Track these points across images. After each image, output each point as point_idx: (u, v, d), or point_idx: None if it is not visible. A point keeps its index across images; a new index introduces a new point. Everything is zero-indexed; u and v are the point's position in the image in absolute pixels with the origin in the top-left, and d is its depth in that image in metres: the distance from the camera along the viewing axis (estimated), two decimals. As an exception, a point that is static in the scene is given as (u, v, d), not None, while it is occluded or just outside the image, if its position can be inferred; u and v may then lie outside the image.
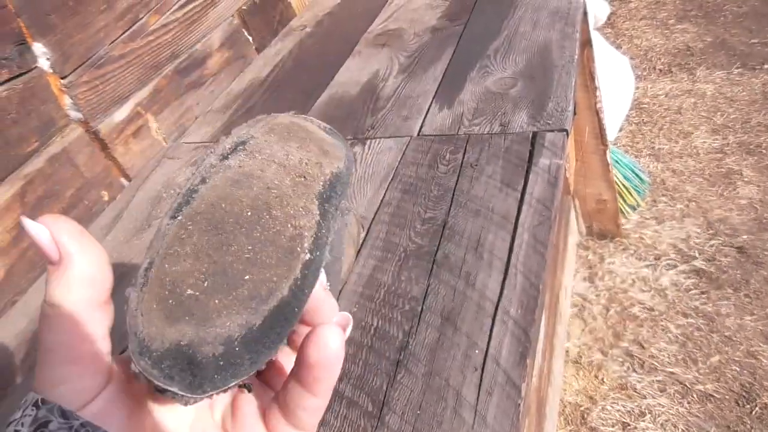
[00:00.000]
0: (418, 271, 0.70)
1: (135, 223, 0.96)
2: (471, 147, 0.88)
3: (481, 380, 0.58)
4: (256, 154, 0.33)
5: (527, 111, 0.91)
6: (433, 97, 1.05)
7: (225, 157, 0.33)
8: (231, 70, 1.35)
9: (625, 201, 1.81)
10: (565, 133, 0.84)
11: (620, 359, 1.49)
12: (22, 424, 0.27)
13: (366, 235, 0.78)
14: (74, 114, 0.97)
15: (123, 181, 1.07)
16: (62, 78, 0.94)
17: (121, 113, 1.06)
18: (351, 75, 1.23)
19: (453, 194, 0.80)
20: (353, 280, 0.72)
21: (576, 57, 1.01)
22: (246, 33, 1.41)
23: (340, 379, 0.61)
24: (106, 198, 1.02)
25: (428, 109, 1.02)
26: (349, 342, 0.64)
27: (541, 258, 0.68)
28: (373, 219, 0.81)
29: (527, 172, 0.80)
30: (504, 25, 1.20)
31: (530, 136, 0.86)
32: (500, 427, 0.54)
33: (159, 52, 1.14)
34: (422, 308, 0.66)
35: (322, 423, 0.57)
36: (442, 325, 0.63)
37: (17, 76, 0.87)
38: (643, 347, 1.49)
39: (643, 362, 1.46)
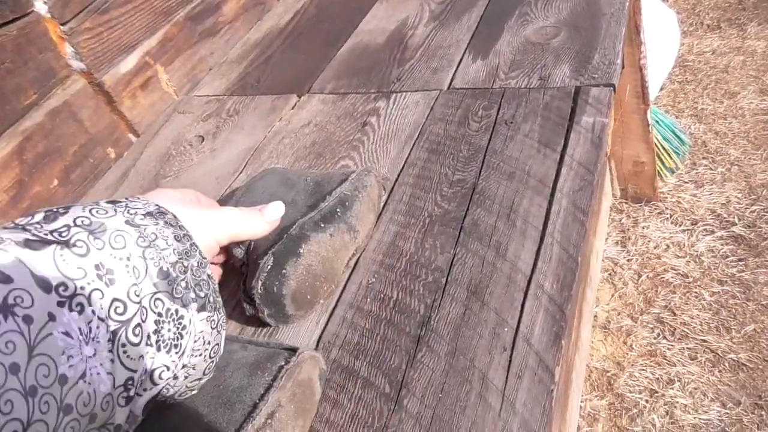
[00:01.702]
0: (443, 239, 0.65)
1: (142, 182, 0.92)
2: (506, 102, 0.81)
3: (510, 362, 0.53)
4: None
5: (570, 64, 0.83)
6: (466, 48, 0.97)
7: None
8: (248, 18, 1.29)
9: (663, 163, 1.74)
10: (611, 88, 0.76)
11: (650, 325, 1.47)
12: (147, 205, 0.45)
13: (388, 197, 0.73)
14: (76, 64, 0.91)
15: (131, 137, 1.01)
16: (62, 24, 0.88)
17: (128, 63, 0.99)
18: (377, 23, 1.16)
19: (485, 154, 0.74)
20: (372, 247, 0.67)
21: (627, 4, 0.92)
22: (265, -23, 1.34)
23: (356, 357, 0.56)
24: (112, 155, 0.97)
25: (460, 61, 0.94)
26: (366, 315, 0.60)
27: (581, 227, 0.62)
28: (396, 180, 0.75)
29: (568, 131, 0.72)
30: (545, -31, 1.11)
31: (573, 91, 0.78)
32: (530, 414, 0.49)
33: (169, -5, 1.08)
34: (447, 280, 0.60)
35: (334, 404, 0.53)
36: (469, 299, 0.58)
37: (10, 22, 0.81)
38: (674, 314, 1.47)
39: (674, 329, 1.44)
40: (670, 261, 1.58)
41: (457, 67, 0.93)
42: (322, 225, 0.60)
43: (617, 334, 1.48)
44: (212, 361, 0.46)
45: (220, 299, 0.46)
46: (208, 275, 0.45)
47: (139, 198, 0.45)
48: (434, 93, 0.89)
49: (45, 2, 0.85)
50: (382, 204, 0.71)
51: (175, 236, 0.43)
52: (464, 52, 0.96)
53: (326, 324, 0.60)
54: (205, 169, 0.89)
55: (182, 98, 1.12)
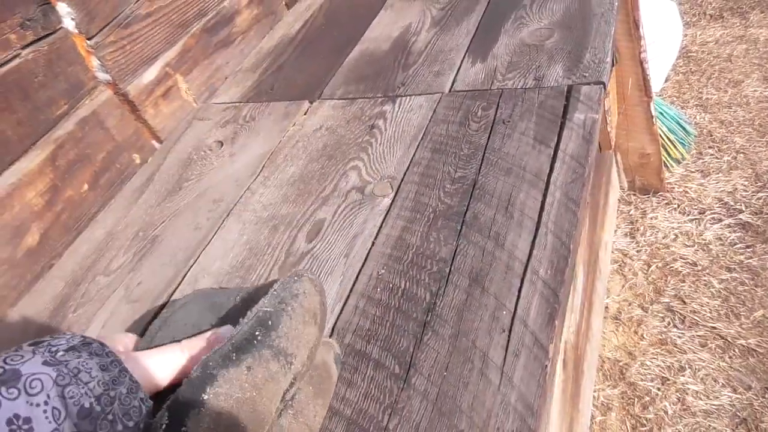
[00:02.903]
0: (447, 232, 0.69)
1: (166, 185, 0.97)
2: (504, 103, 0.85)
3: (508, 342, 0.57)
4: None
5: (563, 63, 0.88)
6: (466, 51, 1.02)
7: None
8: (260, 28, 1.33)
9: (669, 154, 1.76)
10: (601, 85, 0.80)
11: (661, 315, 1.48)
12: (72, 338, 0.43)
13: (395, 195, 0.77)
14: (102, 76, 0.96)
15: (154, 143, 1.07)
16: (88, 39, 0.94)
17: (150, 74, 1.05)
18: (383, 29, 1.21)
19: (484, 152, 0.78)
20: (381, 241, 0.72)
21: (616, 4, 0.96)
22: (275, -12, 1.39)
23: (367, 341, 0.61)
24: (138, 161, 1.03)
25: (461, 64, 0.99)
26: (377, 304, 0.64)
27: (573, 216, 0.66)
28: (403, 179, 0.80)
29: (561, 128, 0.77)
30: (541, -28, 1.15)
31: (565, 90, 0.83)
32: (527, 388, 0.53)
33: (186, 9, 1.13)
34: (450, 269, 0.65)
35: (349, 384, 0.58)
36: (470, 286, 0.63)
37: (42, 38, 0.87)
38: (684, 302, 1.48)
39: (684, 317, 1.45)
40: (679, 250, 1.60)
41: (458, 70, 0.98)
42: (235, 356, 0.46)
43: (628, 324, 1.50)
44: None
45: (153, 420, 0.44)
46: (141, 398, 0.43)
47: (64, 334, 0.44)
48: (437, 96, 0.93)
49: (73, 18, 0.91)
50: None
51: (100, 365, 0.42)
52: (464, 56, 1.01)
53: (340, 312, 0.65)
54: (224, 173, 0.95)
55: (201, 106, 1.17)
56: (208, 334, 0.54)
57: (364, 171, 0.84)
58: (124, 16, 1.00)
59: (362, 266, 0.69)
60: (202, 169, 0.98)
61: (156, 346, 0.55)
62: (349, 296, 0.67)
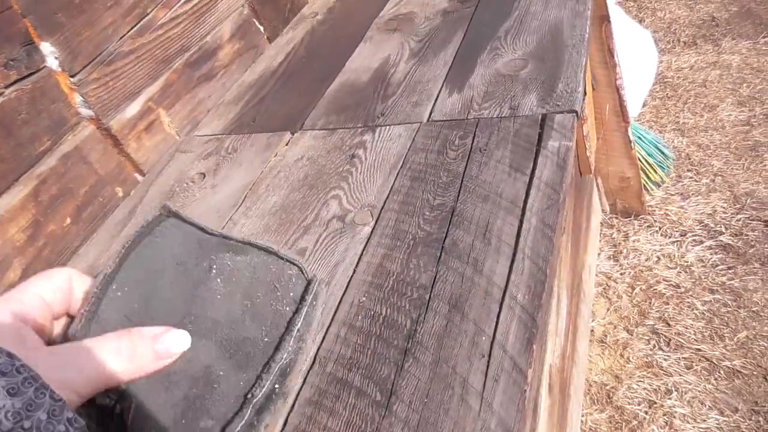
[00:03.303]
0: (426, 259, 0.70)
1: (148, 218, 0.97)
2: (480, 131, 0.87)
3: (487, 367, 0.57)
4: None
5: (537, 93, 0.90)
6: (443, 82, 1.04)
7: None
8: (242, 61, 1.36)
9: (648, 178, 1.80)
10: (574, 114, 0.82)
11: (646, 337, 1.50)
12: None
13: (375, 223, 0.78)
14: (85, 111, 0.97)
15: (137, 176, 1.08)
16: (71, 76, 0.95)
17: (133, 109, 1.06)
18: (362, 61, 1.23)
19: (462, 180, 0.80)
20: (362, 269, 0.72)
21: (587, 35, 0.99)
22: (257, 23, 1.41)
23: (349, 369, 0.61)
24: (120, 194, 1.04)
25: (438, 94, 1.01)
26: (358, 332, 0.65)
27: (549, 242, 0.67)
28: (383, 207, 0.81)
29: (536, 156, 0.79)
30: (515, 5, 1.18)
31: (539, 118, 0.84)
32: (506, 413, 0.54)
33: (168, 45, 1.15)
34: (430, 296, 0.66)
35: (331, 413, 0.58)
36: (450, 312, 0.63)
37: (26, 77, 0.88)
38: (668, 325, 1.50)
39: (669, 340, 1.46)
40: (662, 272, 1.61)
41: (436, 100, 1.00)
42: (257, 421, 0.48)
43: (614, 348, 1.51)
44: None
45: None
46: (68, 419, 0.35)
47: None
48: (415, 125, 0.95)
49: (56, 57, 0.92)
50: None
51: (8, 390, 0.34)
52: (441, 86, 1.03)
53: (322, 341, 0.65)
54: (206, 205, 0.95)
55: (183, 138, 1.18)
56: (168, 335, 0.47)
57: (344, 200, 0.85)
58: (107, 53, 1.01)
59: (343, 294, 0.70)
60: (184, 201, 0.98)
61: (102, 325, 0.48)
62: (330, 324, 0.67)
